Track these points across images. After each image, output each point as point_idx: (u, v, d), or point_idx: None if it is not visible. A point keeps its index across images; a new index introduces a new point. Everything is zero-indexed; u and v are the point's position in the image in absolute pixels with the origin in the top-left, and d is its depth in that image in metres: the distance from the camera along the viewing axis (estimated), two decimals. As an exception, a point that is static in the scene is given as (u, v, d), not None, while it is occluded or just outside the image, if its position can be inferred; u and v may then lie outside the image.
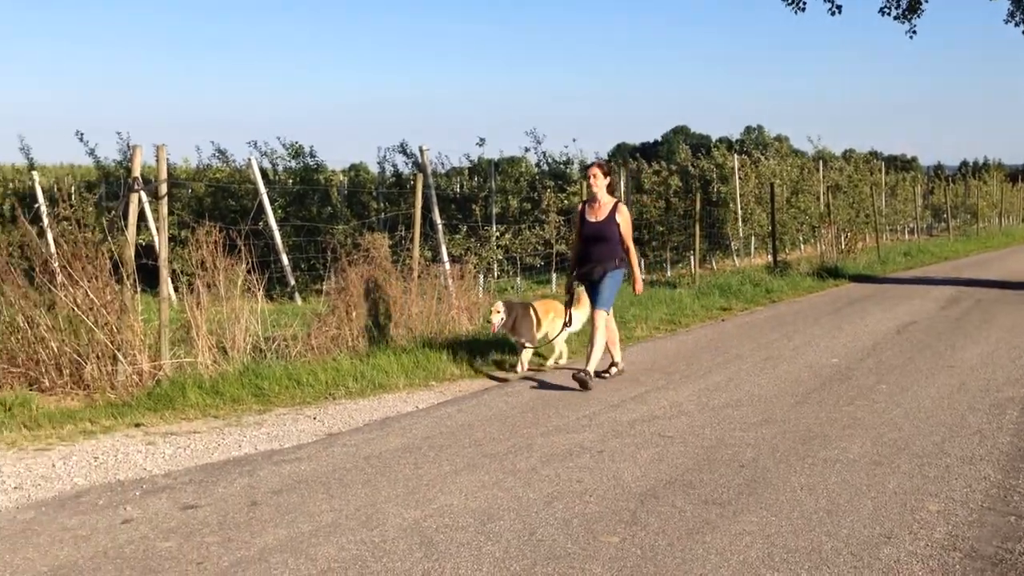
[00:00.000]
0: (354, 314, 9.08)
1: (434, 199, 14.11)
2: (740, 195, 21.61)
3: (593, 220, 7.90)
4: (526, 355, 8.50)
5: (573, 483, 5.14)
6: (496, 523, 4.53)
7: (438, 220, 14.01)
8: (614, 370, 8.25)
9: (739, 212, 21.54)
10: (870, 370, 8.44)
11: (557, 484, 5.14)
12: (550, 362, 8.87)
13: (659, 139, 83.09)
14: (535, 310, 8.59)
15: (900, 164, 53.69)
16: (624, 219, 7.89)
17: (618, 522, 4.51)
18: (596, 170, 7.94)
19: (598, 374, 8.01)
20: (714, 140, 38.45)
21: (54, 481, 5.35)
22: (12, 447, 6.09)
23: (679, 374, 8.41)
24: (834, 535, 4.31)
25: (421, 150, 14.09)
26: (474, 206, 16.15)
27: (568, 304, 8.40)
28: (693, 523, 4.49)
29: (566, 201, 16.61)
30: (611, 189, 8.03)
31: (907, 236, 33.76)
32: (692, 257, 17.60)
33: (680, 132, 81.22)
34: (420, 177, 11.77)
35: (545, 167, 18.47)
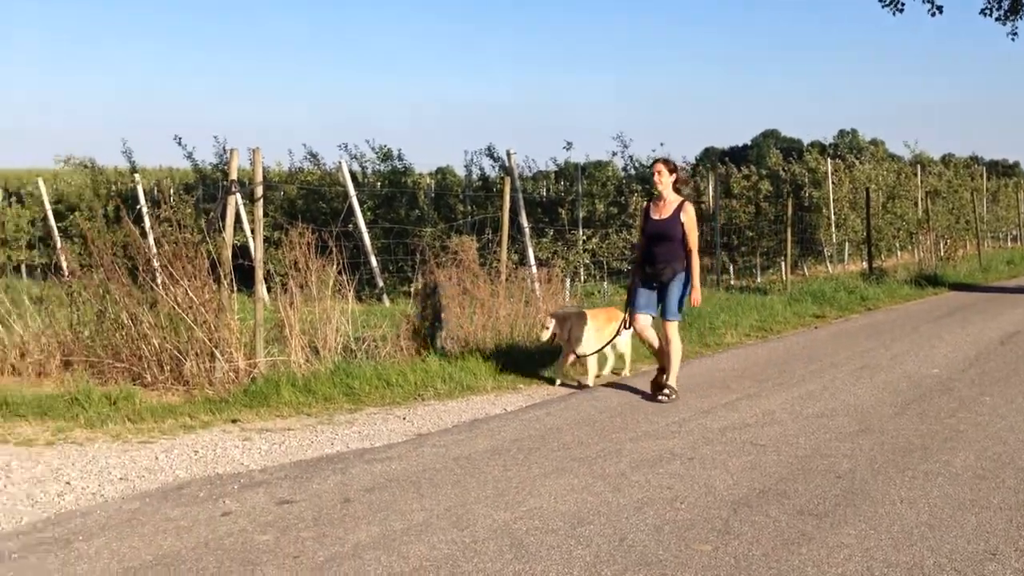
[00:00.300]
0: (443, 316, 9.15)
1: (521, 202, 14.15)
2: (833, 200, 21.12)
3: (657, 218, 7.49)
4: (591, 364, 8.13)
5: (663, 489, 5.09)
6: (586, 527, 4.50)
7: (525, 223, 14.04)
8: (665, 393, 7.51)
9: (832, 217, 21.05)
10: (972, 381, 8.15)
11: (647, 490, 5.09)
12: (605, 371, 8.52)
13: (748, 143, 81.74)
14: (592, 318, 8.18)
15: (1002, 169, 51.75)
16: (689, 218, 7.42)
17: (710, 530, 4.44)
18: (661, 166, 7.51)
19: (651, 397, 7.57)
20: (806, 144, 37.68)
21: (157, 473, 5.53)
22: (117, 439, 6.32)
23: (771, 381, 8.25)
24: (936, 550, 4.16)
25: (509, 154, 14.15)
26: (561, 210, 16.13)
27: (628, 306, 7.83)
28: (788, 534, 4.39)
29: (653, 205, 16.49)
30: (678, 187, 7.61)
31: (1010, 243, 32.54)
32: (783, 263, 17.27)
33: (770, 136, 79.83)
34: (508, 180, 11.82)
35: (632, 171, 18.34)
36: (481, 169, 18.21)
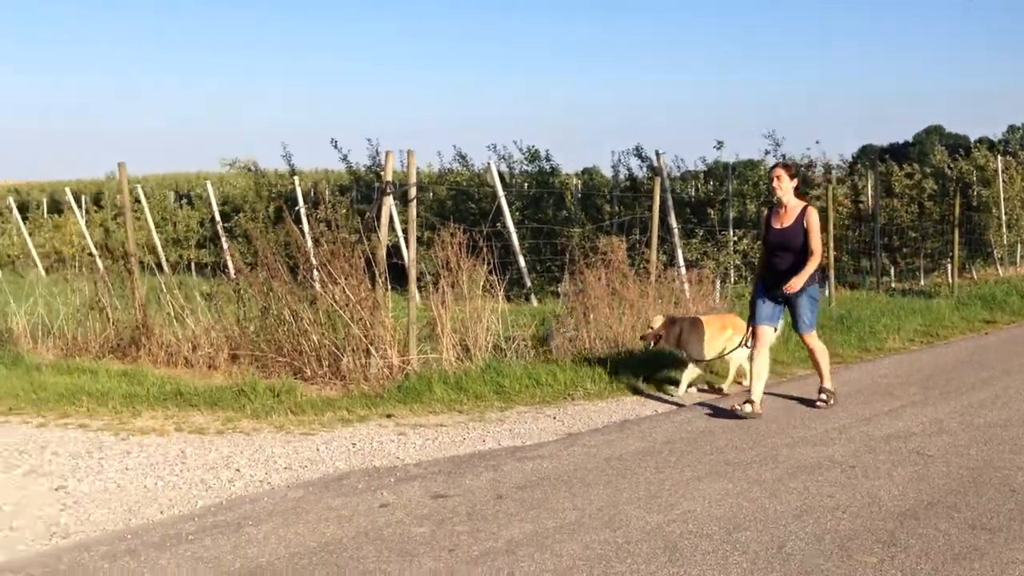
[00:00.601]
0: (591, 316, 9.14)
1: (670, 203, 13.97)
2: (1004, 199, 19.88)
3: (779, 227, 7.03)
4: (689, 372, 7.74)
5: (824, 498, 4.91)
6: (742, 533, 4.39)
7: (674, 224, 13.86)
8: (822, 397, 7.24)
9: (1003, 217, 19.82)
10: None
11: (806, 498, 4.93)
12: (726, 385, 7.96)
13: (910, 140, 77.90)
14: (706, 324, 7.77)
15: None
16: (813, 224, 6.91)
17: (875, 542, 4.26)
18: (780, 171, 7.06)
19: (810, 403, 7.25)
20: (973, 140, 35.66)
21: (318, 464, 5.75)
22: (280, 430, 6.60)
23: (938, 389, 7.84)
24: None
25: (657, 154, 14.02)
26: (710, 210, 15.84)
27: (751, 320, 7.28)
28: (959, 548, 4.16)
29: (808, 205, 15.98)
30: (799, 192, 7.18)
31: None
32: (949, 265, 16.39)
33: (934, 132, 75.79)
34: (658, 180, 11.70)
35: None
36: (628, 169, 18.09)
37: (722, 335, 7.73)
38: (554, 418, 6.92)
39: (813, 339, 7.19)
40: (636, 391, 7.82)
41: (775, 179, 7.08)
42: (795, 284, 6.82)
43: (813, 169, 18.05)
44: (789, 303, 7.05)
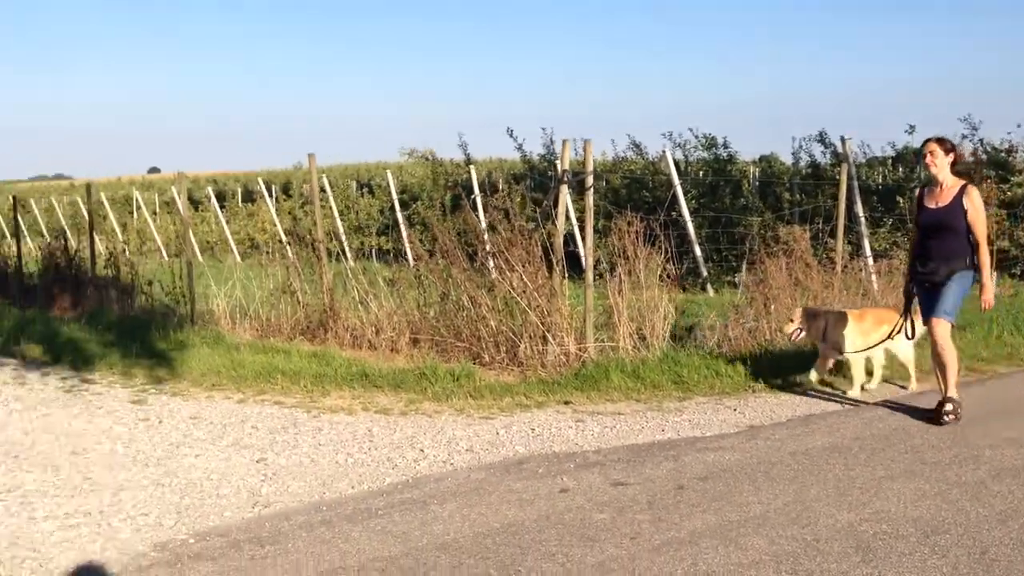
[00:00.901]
0: (772, 307, 8.86)
1: (856, 190, 13.37)
2: None
3: (933, 207, 6.38)
4: (857, 371, 7.11)
5: (1033, 504, 4.58)
6: (941, 536, 4.16)
7: (860, 212, 13.25)
8: (947, 409, 6.25)
9: None
10: None
11: (1011, 501, 4.61)
12: (874, 384, 7.31)
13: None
14: (856, 319, 7.15)
15: None
16: (974, 205, 6.25)
17: (1095, 554, 3.94)
18: (934, 146, 6.37)
19: (933, 419, 6.29)
20: None
21: (498, 447, 5.85)
22: (461, 413, 6.77)
23: None
24: None
25: (843, 140, 13.40)
26: (899, 198, 15.03)
27: (906, 311, 6.69)
28: None
29: (1008, 193, 14.88)
30: (956, 169, 6.50)
31: None
32: None
33: None
34: (845, 167, 11.22)
35: (983, 156, 16.68)
36: (810, 156, 17.41)
37: (875, 331, 7.10)
38: (734, 410, 6.76)
39: (945, 332, 6.31)
40: (822, 384, 7.48)
41: (928, 155, 6.41)
42: (989, 299, 6.38)
43: (1015, 155, 16.85)
44: (939, 286, 6.34)
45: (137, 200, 32.47)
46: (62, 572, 4.11)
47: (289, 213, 25.43)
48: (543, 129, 19.58)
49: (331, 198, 24.11)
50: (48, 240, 14.29)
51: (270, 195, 27.12)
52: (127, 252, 16.38)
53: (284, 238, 18.91)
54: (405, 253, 15.30)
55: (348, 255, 18.01)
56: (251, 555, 4.20)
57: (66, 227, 20.95)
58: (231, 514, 4.77)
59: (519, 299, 8.43)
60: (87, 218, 15.03)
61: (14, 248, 14.71)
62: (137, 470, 5.56)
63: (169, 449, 5.99)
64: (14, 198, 19.19)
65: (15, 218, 17.48)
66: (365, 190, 26.57)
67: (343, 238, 22.57)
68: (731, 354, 8.04)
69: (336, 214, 23.82)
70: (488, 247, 9.11)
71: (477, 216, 12.60)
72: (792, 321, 7.28)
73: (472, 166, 21.10)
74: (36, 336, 10.00)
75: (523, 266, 8.52)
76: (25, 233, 23.11)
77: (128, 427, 6.57)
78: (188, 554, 4.25)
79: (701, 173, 17.67)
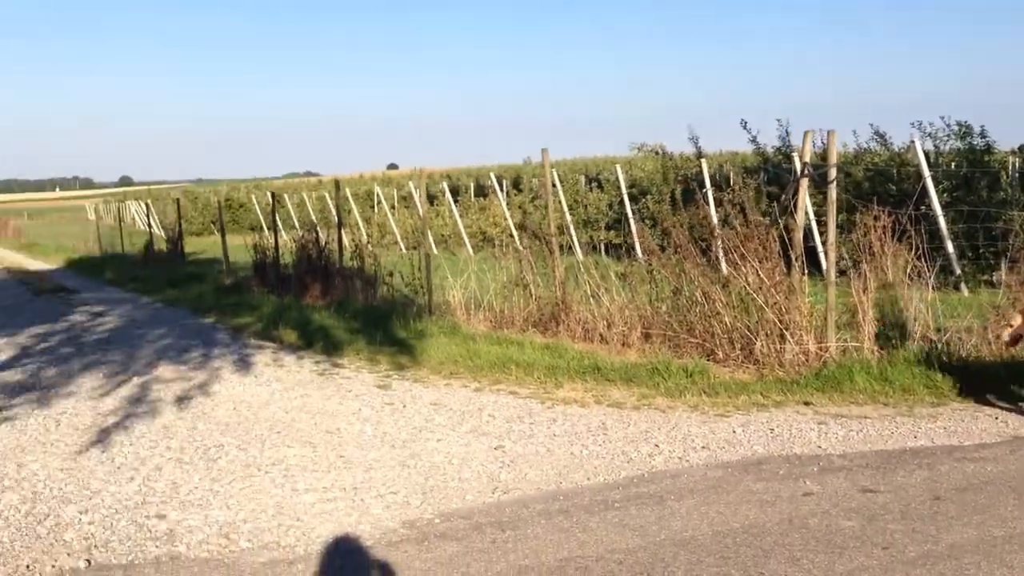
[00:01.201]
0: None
1: None
2: None
3: None
4: None
5: None
6: None
7: None
8: None
9: None
10: None
11: None
12: None
13: None
14: None
15: None
16: None
17: None
18: None
19: None
20: None
21: (735, 446, 5.71)
22: (695, 410, 6.66)
23: None
24: None
25: (1126, 123, 12.07)
26: None
27: None
28: None
29: None
30: None
31: None
32: None
33: None
34: None
35: None
36: (1084, 144, 15.81)
37: None
38: (996, 418, 6.23)
39: None
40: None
41: None
42: None
43: None
44: None
45: (378, 195, 34.34)
46: (323, 541, 4.42)
47: (519, 207, 26.03)
48: (778, 121, 18.90)
49: (560, 192, 24.44)
50: (300, 233, 15.33)
51: (501, 189, 27.87)
52: (370, 245, 17.34)
53: (515, 232, 19.40)
54: (634, 247, 15.25)
55: (578, 249, 18.20)
56: (492, 538, 4.33)
57: (315, 221, 22.48)
58: (472, 498, 4.94)
59: (755, 296, 8.18)
60: (335, 212, 16.03)
61: (272, 240, 15.91)
62: (385, 451, 5.87)
63: (413, 432, 6.29)
64: (272, 194, 20.81)
65: (272, 213, 18.94)
66: (594, 184, 26.74)
67: (572, 232, 22.85)
68: (991, 358, 7.42)
69: (565, 208, 24.11)
70: (721, 242, 8.90)
71: (708, 210, 12.35)
72: (1010, 325, 6.55)
73: (703, 159, 20.73)
74: (292, 322, 10.79)
75: (759, 262, 8.25)
76: (280, 226, 25.03)
77: (375, 410, 6.96)
78: (434, 533, 4.44)
79: (954, 164, 16.45)
